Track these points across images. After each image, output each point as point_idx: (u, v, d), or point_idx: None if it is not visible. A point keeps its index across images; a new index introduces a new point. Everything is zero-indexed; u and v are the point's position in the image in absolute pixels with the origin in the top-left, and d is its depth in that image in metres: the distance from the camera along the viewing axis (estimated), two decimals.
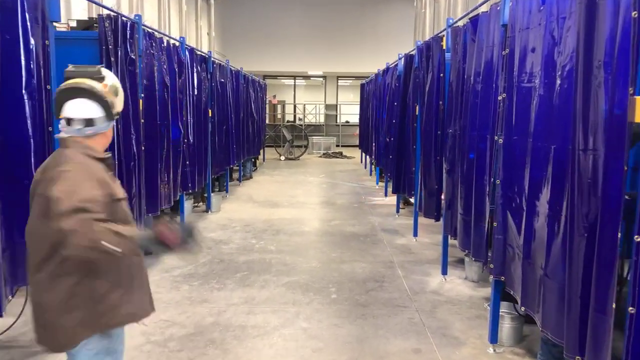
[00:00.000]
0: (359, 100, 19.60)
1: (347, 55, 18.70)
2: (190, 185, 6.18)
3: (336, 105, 22.20)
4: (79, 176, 1.82)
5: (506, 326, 3.56)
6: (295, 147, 16.51)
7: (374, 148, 10.45)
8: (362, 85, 14.00)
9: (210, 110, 7.63)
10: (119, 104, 2.09)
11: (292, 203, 8.65)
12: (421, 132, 5.57)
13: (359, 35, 18.59)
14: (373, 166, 12.01)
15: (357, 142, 21.45)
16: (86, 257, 1.75)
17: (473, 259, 3.82)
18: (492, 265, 3.31)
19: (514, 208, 3.02)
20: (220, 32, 17.57)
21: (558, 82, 2.39)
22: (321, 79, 22.62)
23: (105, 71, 2.06)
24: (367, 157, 12.93)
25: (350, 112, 23.25)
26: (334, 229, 6.86)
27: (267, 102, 22.86)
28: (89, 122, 1.94)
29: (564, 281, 2.28)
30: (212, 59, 7.79)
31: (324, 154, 17.40)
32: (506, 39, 3.22)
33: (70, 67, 2.02)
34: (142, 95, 4.74)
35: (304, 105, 22.78)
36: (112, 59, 4.12)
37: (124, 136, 4.24)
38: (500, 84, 3.32)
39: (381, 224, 7.15)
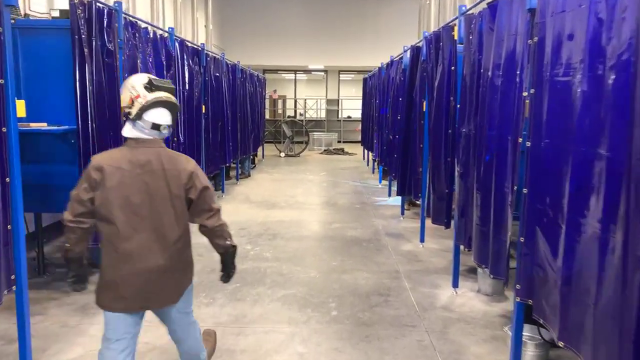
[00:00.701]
0: (361, 95, 19.18)
1: (348, 48, 18.21)
2: None
3: (338, 100, 21.73)
4: None
5: (529, 354, 3.14)
6: (295, 143, 16.07)
7: (377, 145, 10.01)
8: (365, 80, 13.54)
9: (204, 106, 7.19)
10: None
11: (290, 204, 8.22)
12: (429, 130, 5.13)
13: (360, 28, 18.10)
14: (376, 164, 11.57)
15: (359, 138, 21.01)
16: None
17: (491, 276, 3.38)
18: (518, 287, 2.87)
19: (546, 223, 2.58)
20: (218, 24, 17.09)
21: (611, 75, 1.94)
22: (322, 73, 22.14)
23: (170, 82, 2.51)
24: (370, 154, 12.49)
25: (352, 107, 22.81)
26: (334, 232, 6.43)
27: (268, 97, 22.41)
28: (169, 129, 2.39)
29: (623, 322, 1.84)
30: (206, 51, 7.34)
31: (325, 150, 16.96)
32: (533, 25, 2.78)
33: (156, 81, 2.36)
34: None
35: (305, 100, 22.32)
36: (86, 50, 3.68)
37: (99, 137, 3.81)
38: (526, 78, 2.87)
39: (385, 227, 6.71)
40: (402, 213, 7.34)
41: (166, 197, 2.28)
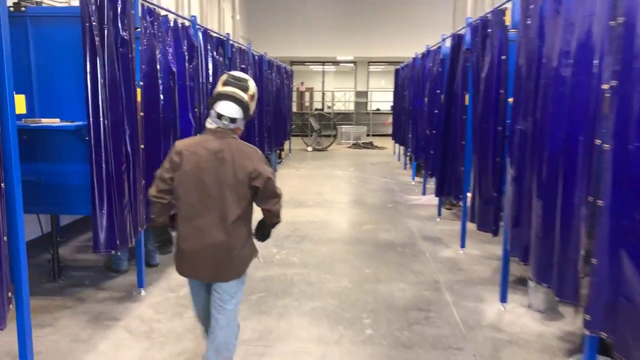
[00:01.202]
0: (391, 87, 18.66)
1: (378, 39, 17.65)
2: None
3: (367, 92, 21.18)
4: None
5: None
6: (323, 137, 15.66)
7: (410, 140, 9.51)
8: (397, 71, 12.99)
9: None
10: (253, 106, 2.69)
11: (318, 202, 7.82)
12: (474, 125, 4.64)
13: (391, 18, 17.50)
14: (408, 159, 11.07)
15: (389, 132, 20.44)
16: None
17: (558, 299, 2.92)
18: (588, 318, 2.41)
19: (634, 245, 2.11)
20: (245, 15, 16.76)
21: None
22: (351, 64, 21.60)
23: (251, 82, 2.67)
24: (401, 148, 11.98)
25: (381, 99, 22.24)
26: (366, 235, 6.01)
27: (295, 89, 22.03)
28: (232, 120, 2.57)
29: None
30: (231, 42, 6.98)
31: (353, 144, 16.49)
32: (617, 3, 2.29)
33: (233, 77, 2.63)
34: (141, 83, 3.97)
35: (333, 92, 21.85)
36: (97, 39, 3.34)
37: (112, 133, 3.48)
38: (607, 68, 2.39)
39: (421, 230, 6.26)
40: (439, 214, 6.86)
41: (232, 182, 2.53)
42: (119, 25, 3.54)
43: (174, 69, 4.52)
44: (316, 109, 22.41)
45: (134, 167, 3.80)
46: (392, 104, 20.48)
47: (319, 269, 4.81)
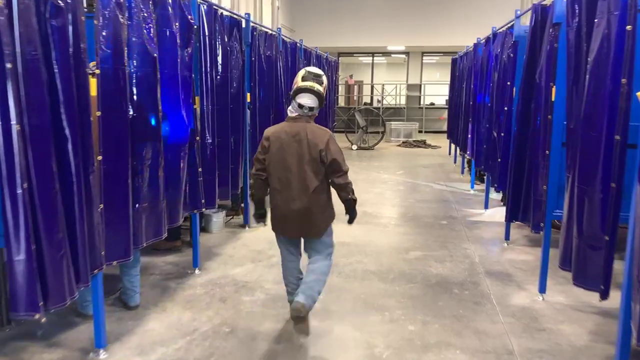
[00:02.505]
0: (446, 79, 17.09)
1: (432, 26, 16.06)
2: (204, 202, 4.29)
3: (420, 85, 19.57)
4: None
5: None
6: (369, 134, 14.31)
7: (469, 142, 8.05)
8: (454, 61, 11.47)
9: (249, 95, 5.70)
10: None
11: (358, 216, 6.53)
12: (570, 131, 3.26)
13: (448, 2, 15.85)
14: (467, 164, 9.59)
15: (443, 128, 18.82)
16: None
17: None
18: None
19: None
20: (287, 3, 15.62)
21: None
22: (403, 55, 20.04)
23: (324, 77, 3.30)
24: (458, 149, 10.49)
25: (435, 93, 20.62)
26: (413, 267, 4.71)
27: (343, 82, 20.75)
28: (311, 109, 3.22)
29: None
30: (253, 24, 5.82)
31: (403, 142, 15.03)
32: None
33: (310, 73, 3.24)
34: (95, 70, 2.87)
35: (383, 85, 20.40)
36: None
37: (37, 141, 2.38)
38: None
39: (484, 260, 4.88)
40: (507, 237, 5.44)
41: (308, 159, 3.15)
42: None
43: (154, 54, 3.39)
44: (365, 104, 21.07)
45: (82, 188, 2.70)
46: (447, 98, 18.88)
47: (345, 322, 3.57)
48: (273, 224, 3.34)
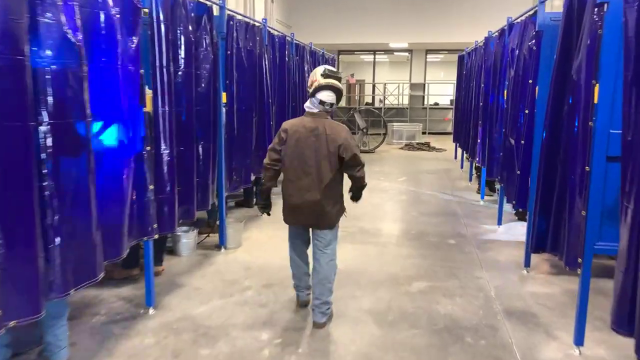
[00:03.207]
0: (451, 78, 16.29)
1: (438, 22, 15.22)
2: (156, 226, 3.47)
3: (424, 85, 18.73)
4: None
5: None
6: (370, 135, 13.48)
7: (479, 147, 7.21)
8: (461, 58, 10.63)
9: (225, 94, 4.89)
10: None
11: (352, 232, 5.72)
12: (627, 144, 2.43)
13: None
14: (475, 170, 8.76)
15: (448, 129, 17.98)
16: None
17: None
18: None
19: None
20: None
21: None
22: (406, 53, 19.20)
23: (341, 74, 3.53)
24: (465, 153, 9.67)
25: (439, 92, 19.80)
26: (416, 305, 3.88)
27: (345, 81, 19.91)
28: (331, 105, 3.41)
29: None
30: (230, 13, 5.00)
31: (406, 145, 14.19)
32: None
33: (329, 70, 3.41)
34: None
35: (385, 85, 19.57)
36: None
37: None
38: None
39: (501, 294, 4.06)
40: (527, 263, 4.61)
41: (325, 153, 3.29)
42: None
43: (78, 41, 2.58)
44: (366, 103, 20.26)
45: None
46: (452, 97, 18.05)
47: None
48: (285, 215, 3.48)
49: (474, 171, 8.85)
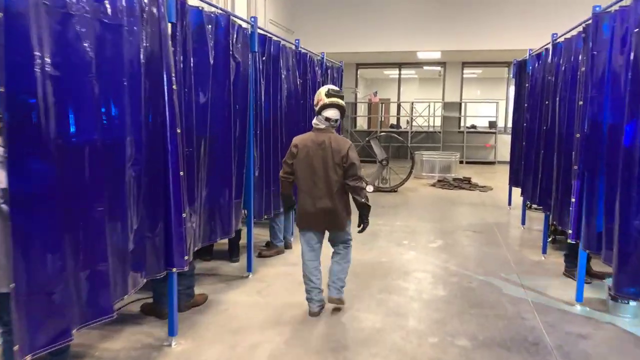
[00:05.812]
0: (488, 97, 13.39)
1: (475, 28, 12.32)
2: None
3: (460, 104, 15.69)
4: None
5: None
6: (389, 167, 10.50)
7: (575, 211, 4.13)
8: (517, 66, 7.63)
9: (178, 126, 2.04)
10: None
11: None
12: None
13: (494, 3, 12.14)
14: (551, 231, 5.71)
15: (489, 158, 14.90)
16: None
17: None
18: None
19: None
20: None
21: None
22: (439, 68, 16.26)
23: (342, 92, 4.06)
24: (530, 203, 6.59)
25: (476, 113, 16.84)
26: None
27: (367, 100, 17.07)
28: (336, 121, 3.90)
29: None
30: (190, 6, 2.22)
31: (439, 181, 11.10)
32: None
33: (332, 90, 3.88)
34: None
35: (412, 104, 16.67)
36: None
37: None
38: None
39: None
40: None
41: (332, 164, 3.78)
42: None
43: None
44: (391, 126, 17.32)
45: None
46: (493, 119, 15.02)
47: None
48: (299, 221, 3.95)
49: (549, 233, 5.75)
